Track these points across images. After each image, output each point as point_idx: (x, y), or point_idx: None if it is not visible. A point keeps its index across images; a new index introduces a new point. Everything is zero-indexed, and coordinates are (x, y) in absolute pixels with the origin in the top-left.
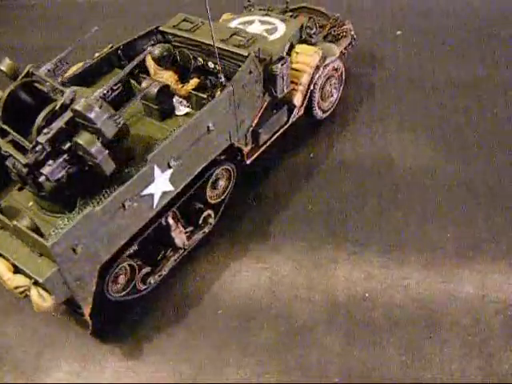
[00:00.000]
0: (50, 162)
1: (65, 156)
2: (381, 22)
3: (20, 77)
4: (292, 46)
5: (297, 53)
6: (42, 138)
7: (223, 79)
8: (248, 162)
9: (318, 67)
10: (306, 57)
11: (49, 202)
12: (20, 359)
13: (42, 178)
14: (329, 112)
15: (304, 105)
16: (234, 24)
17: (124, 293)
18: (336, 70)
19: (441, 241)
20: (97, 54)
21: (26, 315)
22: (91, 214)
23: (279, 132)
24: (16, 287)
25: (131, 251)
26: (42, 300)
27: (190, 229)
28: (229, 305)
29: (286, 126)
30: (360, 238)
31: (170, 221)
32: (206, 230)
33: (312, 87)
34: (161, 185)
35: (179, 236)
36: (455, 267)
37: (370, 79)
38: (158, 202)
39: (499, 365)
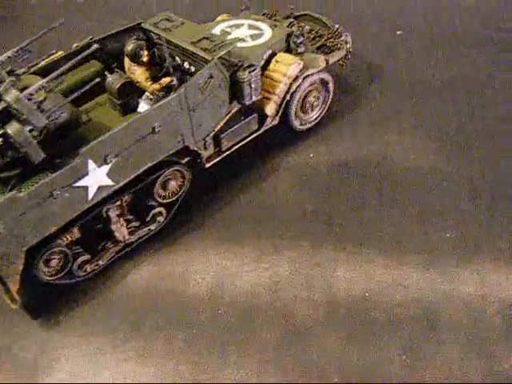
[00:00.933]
0: None
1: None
2: (381, 22)
3: None
4: (274, 54)
5: (276, 61)
6: None
7: (175, 82)
8: (207, 166)
9: (296, 78)
10: (284, 66)
11: None
12: (20, 359)
13: None
14: (311, 124)
15: (279, 115)
16: (221, 27)
17: (57, 277)
18: (321, 82)
19: (440, 241)
20: (75, 45)
21: (26, 315)
22: (15, 198)
23: (248, 139)
24: None
25: (68, 238)
26: None
27: (136, 224)
28: (229, 305)
29: (256, 134)
30: (360, 237)
31: (111, 214)
32: (152, 227)
33: (289, 98)
34: (97, 178)
35: (119, 229)
36: (455, 267)
37: (370, 79)
38: (95, 195)
39: (499, 365)
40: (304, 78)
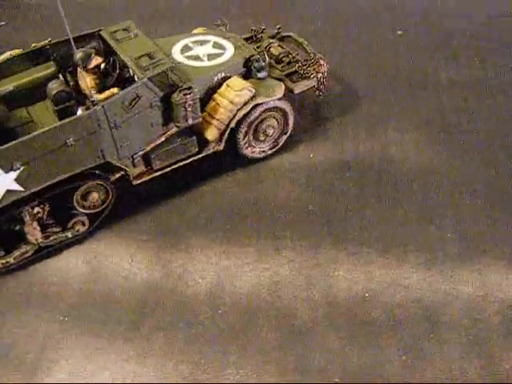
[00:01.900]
0: None
1: None
2: (381, 22)
3: None
4: (228, 77)
5: (227, 86)
6: None
7: (94, 98)
8: (135, 183)
9: (245, 105)
10: (231, 92)
11: None
12: (20, 359)
13: None
14: (266, 154)
15: (223, 140)
16: (187, 41)
17: None
18: (278, 110)
19: (441, 241)
20: (33, 45)
21: (27, 315)
22: None
23: (187, 161)
24: None
25: None
26: None
27: (56, 229)
28: (229, 305)
29: (196, 157)
30: (360, 238)
31: (24, 216)
32: (70, 234)
33: (234, 125)
34: (5, 183)
35: (32, 232)
36: (455, 267)
37: (370, 79)
38: (3, 198)
39: (499, 365)
40: (255, 106)
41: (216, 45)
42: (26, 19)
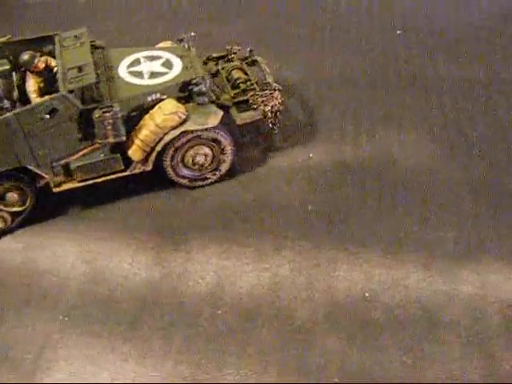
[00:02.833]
0: None
1: None
2: (381, 22)
3: None
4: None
5: (159, 107)
6: None
7: (7, 105)
8: (55, 190)
9: (173, 129)
10: (160, 115)
11: None
12: (20, 359)
13: None
14: (203, 183)
15: (149, 161)
16: (140, 55)
17: None
18: (210, 139)
19: (441, 241)
20: None
21: (26, 315)
22: None
23: (112, 176)
24: None
25: None
26: None
27: None
28: (229, 305)
29: (123, 175)
30: (360, 237)
31: None
32: None
33: (160, 148)
34: None
35: None
36: (455, 267)
37: (370, 79)
38: None
39: (499, 365)
40: (182, 133)
41: (166, 63)
42: (26, 19)
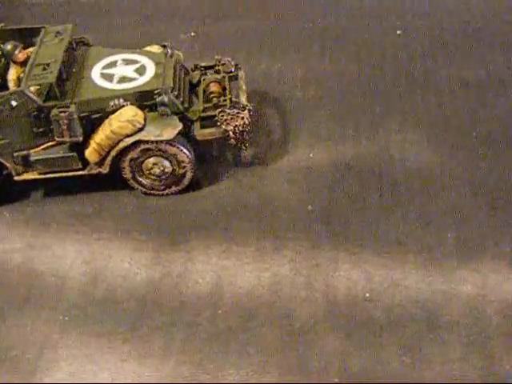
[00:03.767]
0: None
1: None
2: (381, 22)
3: None
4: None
5: (119, 113)
6: None
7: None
8: (16, 178)
9: (127, 137)
10: (116, 121)
11: None
12: (19, 359)
13: None
14: (159, 192)
15: (106, 164)
16: (120, 57)
17: None
18: (165, 152)
19: (441, 241)
20: None
21: (26, 315)
22: None
23: (69, 174)
24: None
25: None
26: None
27: None
28: (229, 305)
29: (80, 173)
30: (360, 237)
31: None
32: None
33: (114, 154)
34: None
35: None
36: (455, 267)
37: (370, 79)
38: None
39: (499, 365)
40: (137, 142)
41: (140, 69)
42: (26, 19)
